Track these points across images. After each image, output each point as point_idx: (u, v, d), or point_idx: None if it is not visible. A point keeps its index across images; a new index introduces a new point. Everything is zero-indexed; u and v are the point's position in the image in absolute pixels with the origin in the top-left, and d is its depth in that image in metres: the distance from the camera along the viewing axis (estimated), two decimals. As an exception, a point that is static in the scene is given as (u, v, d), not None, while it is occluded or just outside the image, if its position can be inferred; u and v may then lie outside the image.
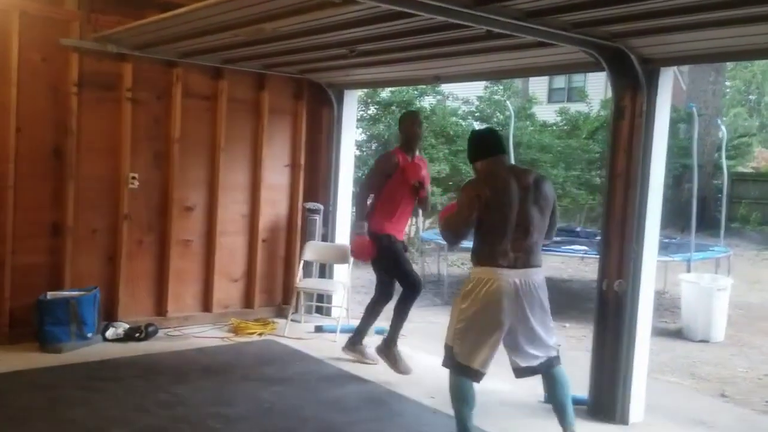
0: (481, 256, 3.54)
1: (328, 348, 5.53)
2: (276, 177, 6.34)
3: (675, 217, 15.84)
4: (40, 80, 5.12)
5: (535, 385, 5.03)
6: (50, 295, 5.14)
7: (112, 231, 5.52)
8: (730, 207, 13.75)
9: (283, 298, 6.48)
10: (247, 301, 6.28)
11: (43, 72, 5.13)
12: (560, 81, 20.29)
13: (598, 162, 13.97)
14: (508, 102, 11.30)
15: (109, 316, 5.49)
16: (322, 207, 6.39)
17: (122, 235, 5.54)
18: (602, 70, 4.40)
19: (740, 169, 19.16)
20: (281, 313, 6.36)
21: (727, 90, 22.77)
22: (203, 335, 5.71)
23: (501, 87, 13.21)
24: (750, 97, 30.45)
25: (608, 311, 4.42)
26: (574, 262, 11.49)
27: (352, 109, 6.54)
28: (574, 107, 15.46)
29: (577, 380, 4.85)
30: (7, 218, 5.06)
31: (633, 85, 4.25)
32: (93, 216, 5.43)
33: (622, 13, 3.55)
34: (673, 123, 15.44)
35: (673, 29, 3.76)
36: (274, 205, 6.38)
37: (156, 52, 5.41)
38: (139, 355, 5.11)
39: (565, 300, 9.30)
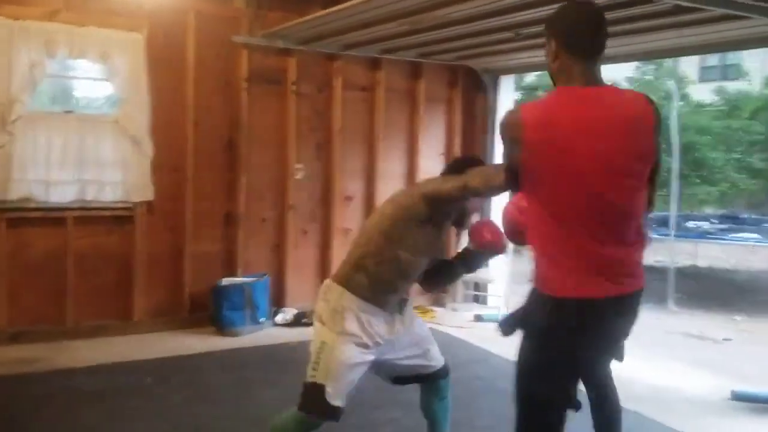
0: None
1: (491, 338, 5.43)
2: (431, 166, 6.31)
3: None
4: (213, 76, 5.40)
5: (720, 384, 4.74)
6: (226, 281, 5.43)
7: (278, 220, 5.74)
8: None
9: (438, 287, 6.48)
10: (404, 290, 6.33)
11: (216, 68, 5.40)
12: (713, 59, 18.86)
13: (761, 144, 12.92)
14: (671, 82, 10.65)
15: (277, 301, 5.72)
16: (478, 195, 6.30)
17: (288, 224, 5.74)
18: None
19: None
20: (438, 302, 6.37)
21: None
22: (365, 322, 5.81)
23: (653, 67, 12.48)
24: None
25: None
26: (737, 251, 10.71)
27: (508, 94, 6.40)
28: (731, 86, 14.35)
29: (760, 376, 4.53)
30: (186, 208, 5.39)
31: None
32: (262, 206, 5.67)
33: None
34: None
35: None
36: (430, 193, 6.37)
37: (319, 45, 5.55)
38: (310, 340, 5.25)
39: (732, 292, 8.70)
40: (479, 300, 6.49)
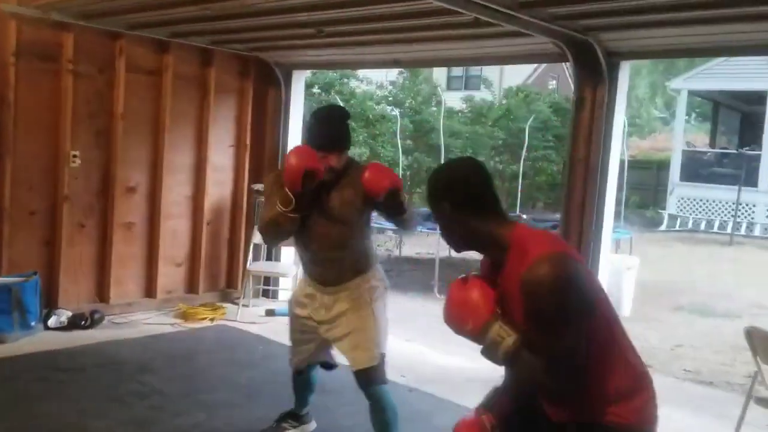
0: (375, 255, 3.18)
1: (285, 331, 5.43)
2: (221, 157, 6.14)
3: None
4: (-28, 48, 4.69)
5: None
6: (-12, 282, 4.74)
7: (51, 213, 5.15)
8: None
9: (227, 282, 6.32)
10: (191, 286, 6.06)
11: (-23, 39, 4.69)
12: (458, 69, 20.81)
13: (501, 148, 14.57)
14: (438, 88, 11.52)
15: (49, 303, 5.13)
16: (269, 189, 6.24)
17: (62, 217, 5.18)
18: (565, 60, 4.61)
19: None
20: (226, 298, 6.21)
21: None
22: (151, 322, 5.46)
23: (407, 73, 13.39)
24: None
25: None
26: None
27: (299, 89, 6.42)
28: (478, 95, 15.97)
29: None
30: (-66, 198, 4.60)
31: (595, 77, 4.47)
32: (31, 197, 5.05)
33: (601, 8, 3.75)
34: (563, 113, 16.44)
35: (640, 26, 4.01)
36: (219, 186, 6.16)
37: (101, 22, 5.08)
38: (92, 343, 4.83)
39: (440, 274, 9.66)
40: (269, 294, 6.44)
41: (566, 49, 4.39)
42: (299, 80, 6.39)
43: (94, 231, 5.39)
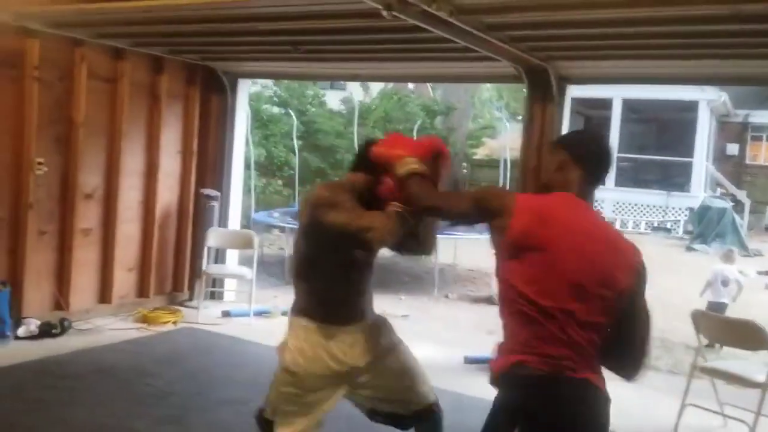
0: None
1: (255, 332, 5.61)
2: (170, 163, 6.21)
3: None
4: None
5: (441, 351, 5.73)
6: (-42, 293, 4.57)
7: (15, 221, 5.03)
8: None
9: (173, 285, 6.39)
10: (142, 291, 6.08)
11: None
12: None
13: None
14: (353, 93, 11.84)
15: (14, 312, 5.01)
16: (219, 194, 6.40)
17: (26, 225, 5.07)
18: (521, 82, 5.22)
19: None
20: (173, 301, 6.31)
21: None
22: (115, 327, 5.48)
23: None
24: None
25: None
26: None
27: (244, 97, 6.61)
28: (350, 96, 16.51)
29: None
30: None
31: (544, 97, 5.17)
32: (-5, 204, 4.91)
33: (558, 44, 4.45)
34: (433, 115, 17.45)
35: (589, 57, 4.77)
36: (168, 191, 6.23)
37: (69, 30, 5.03)
38: (73, 351, 4.82)
39: (383, 276, 10.20)
40: (215, 296, 6.58)
41: (522, 71, 5.01)
42: (244, 88, 6.59)
43: (54, 238, 5.31)
